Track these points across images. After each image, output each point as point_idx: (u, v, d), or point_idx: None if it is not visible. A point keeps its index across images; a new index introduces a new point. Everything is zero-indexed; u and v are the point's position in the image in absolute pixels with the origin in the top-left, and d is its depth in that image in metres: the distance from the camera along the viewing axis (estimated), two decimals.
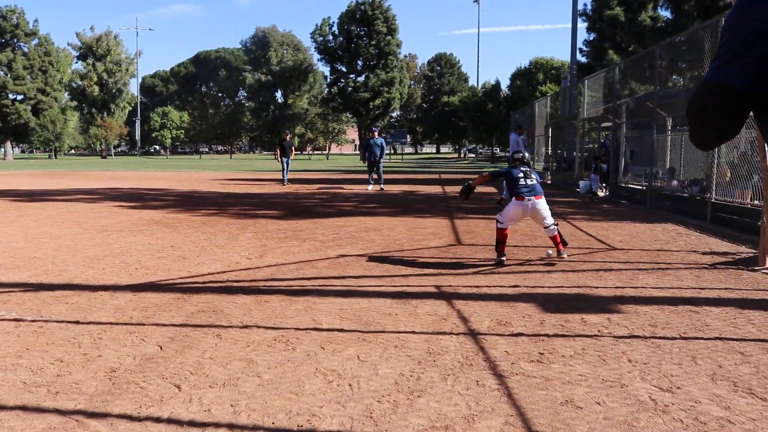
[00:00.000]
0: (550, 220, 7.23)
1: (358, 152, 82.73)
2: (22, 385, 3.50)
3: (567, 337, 4.36)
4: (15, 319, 4.80)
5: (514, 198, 7.15)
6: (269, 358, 3.92)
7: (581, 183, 19.32)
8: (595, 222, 11.16)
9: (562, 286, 6.00)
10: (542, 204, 7.14)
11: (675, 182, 13.94)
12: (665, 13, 29.76)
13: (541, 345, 4.19)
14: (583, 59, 37.95)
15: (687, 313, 5.01)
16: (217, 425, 3.00)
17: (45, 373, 3.67)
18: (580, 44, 35.60)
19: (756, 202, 10.09)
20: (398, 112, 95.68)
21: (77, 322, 4.74)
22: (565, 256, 7.27)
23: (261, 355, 3.97)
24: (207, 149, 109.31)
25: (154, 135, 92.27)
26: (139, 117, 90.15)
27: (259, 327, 4.59)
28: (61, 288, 5.91)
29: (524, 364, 3.83)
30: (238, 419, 3.06)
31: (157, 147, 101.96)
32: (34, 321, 4.76)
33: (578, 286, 6.00)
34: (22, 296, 5.60)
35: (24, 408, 3.19)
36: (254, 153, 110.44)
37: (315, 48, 78.02)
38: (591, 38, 36.85)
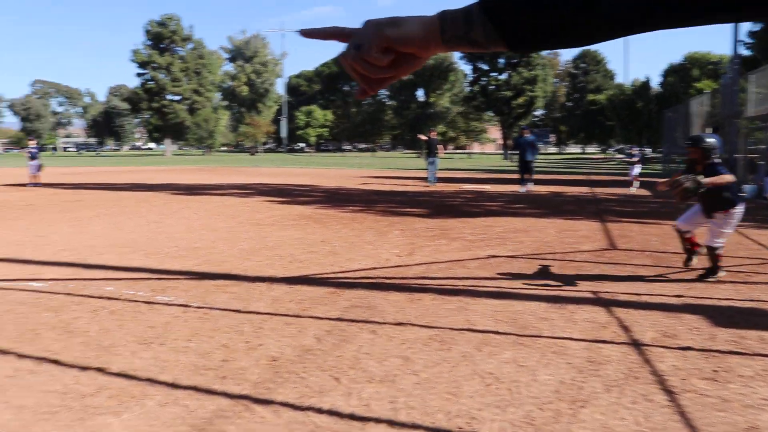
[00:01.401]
0: None
1: (501, 152, 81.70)
2: (193, 367, 3.69)
3: (744, 356, 4.01)
4: (182, 305, 5.10)
5: (739, 203, 6.14)
6: (425, 356, 3.89)
7: (746, 187, 17.90)
8: (765, 230, 10.29)
9: (732, 299, 5.55)
10: None
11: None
12: None
13: (714, 362, 3.88)
14: (747, 52, 35.31)
15: None
16: (378, 421, 3.00)
17: (212, 358, 3.85)
18: (742, 36, 33.16)
19: None
20: (542, 111, 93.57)
21: (238, 311, 4.95)
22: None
23: (417, 353, 3.95)
24: (350, 147, 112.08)
25: (299, 133, 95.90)
26: (285, 115, 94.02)
27: (413, 325, 4.58)
28: (221, 278, 6.21)
29: (696, 381, 3.55)
30: (398, 416, 3.05)
31: (302, 144, 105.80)
32: (199, 308, 5.03)
33: (752, 300, 5.52)
34: (187, 283, 5.95)
35: (196, 389, 3.36)
36: (396, 151, 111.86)
37: None
38: (756, 29, 34.22)
